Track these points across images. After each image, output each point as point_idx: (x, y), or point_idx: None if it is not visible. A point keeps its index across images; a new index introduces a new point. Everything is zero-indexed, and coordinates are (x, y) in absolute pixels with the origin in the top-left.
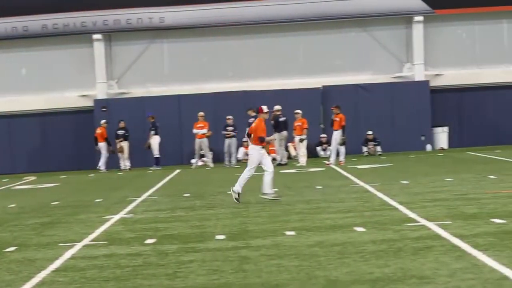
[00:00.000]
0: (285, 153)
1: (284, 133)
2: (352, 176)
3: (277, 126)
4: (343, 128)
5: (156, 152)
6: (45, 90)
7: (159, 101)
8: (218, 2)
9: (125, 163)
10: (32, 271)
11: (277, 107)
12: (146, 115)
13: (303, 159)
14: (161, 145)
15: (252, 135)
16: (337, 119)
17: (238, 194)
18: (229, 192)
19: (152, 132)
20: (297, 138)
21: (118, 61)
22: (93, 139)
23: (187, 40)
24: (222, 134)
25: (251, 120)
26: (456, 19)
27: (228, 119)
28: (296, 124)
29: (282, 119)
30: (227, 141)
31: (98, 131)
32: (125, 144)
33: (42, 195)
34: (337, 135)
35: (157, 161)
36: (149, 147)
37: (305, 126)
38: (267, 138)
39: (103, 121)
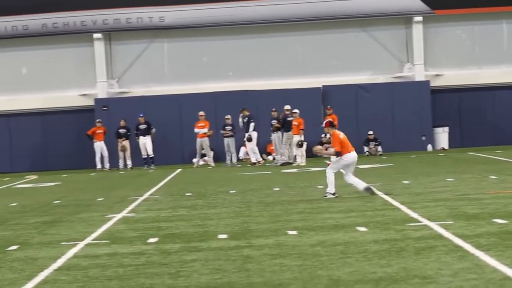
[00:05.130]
0: (292, 153)
1: (291, 132)
2: None
3: (285, 125)
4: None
5: (151, 152)
6: (46, 89)
7: (159, 101)
8: (218, 2)
9: (126, 162)
10: (34, 269)
11: (287, 106)
12: (138, 116)
13: (300, 159)
14: (161, 144)
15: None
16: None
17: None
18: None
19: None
20: (295, 138)
21: (118, 61)
22: (88, 137)
23: (187, 39)
24: (220, 133)
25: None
26: (456, 19)
27: (227, 118)
28: (293, 123)
29: (289, 118)
30: (225, 140)
31: (99, 130)
32: (127, 143)
33: (44, 194)
34: None
35: (152, 160)
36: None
37: (302, 126)
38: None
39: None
